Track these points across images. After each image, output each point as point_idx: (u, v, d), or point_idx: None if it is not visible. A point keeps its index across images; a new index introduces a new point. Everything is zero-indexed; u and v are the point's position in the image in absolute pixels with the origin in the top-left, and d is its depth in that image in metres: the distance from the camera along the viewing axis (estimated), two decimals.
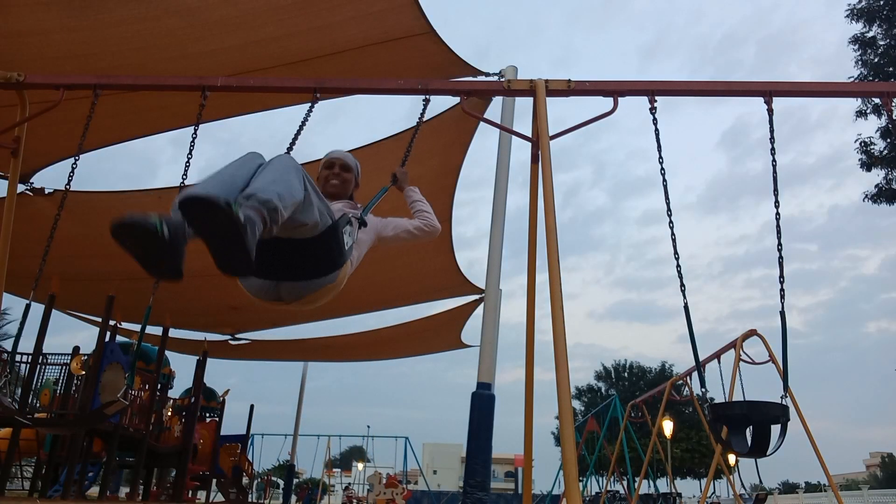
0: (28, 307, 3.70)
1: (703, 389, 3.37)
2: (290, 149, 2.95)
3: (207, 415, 13.42)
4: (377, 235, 2.90)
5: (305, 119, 3.35)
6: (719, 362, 10.30)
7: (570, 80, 3.68)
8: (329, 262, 2.23)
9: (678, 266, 3.20)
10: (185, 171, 3.51)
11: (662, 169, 3.40)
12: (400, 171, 3.27)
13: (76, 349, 8.93)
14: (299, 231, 2.04)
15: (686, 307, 3.17)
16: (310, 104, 3.52)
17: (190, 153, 3.51)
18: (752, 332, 9.65)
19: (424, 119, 3.75)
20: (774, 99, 3.51)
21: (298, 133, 3.22)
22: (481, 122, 6.49)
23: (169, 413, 11.71)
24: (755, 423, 3.00)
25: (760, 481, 11.26)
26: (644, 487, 20.76)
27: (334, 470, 34.88)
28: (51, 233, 3.62)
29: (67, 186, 3.67)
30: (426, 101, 3.67)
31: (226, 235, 1.66)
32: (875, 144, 15.52)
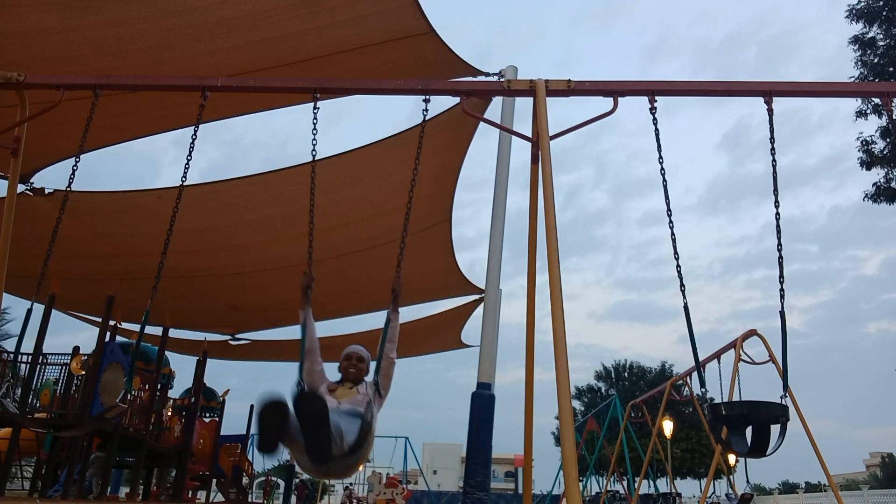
0: (31, 309, 3.70)
1: (703, 389, 3.37)
2: (313, 158, 3.57)
3: (207, 415, 13.42)
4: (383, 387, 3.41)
5: (315, 128, 3.39)
6: (719, 362, 10.31)
7: (570, 81, 3.68)
8: (366, 440, 2.95)
9: (678, 266, 3.21)
10: (186, 170, 3.51)
11: (662, 169, 3.40)
12: (399, 286, 3.57)
13: (76, 349, 8.92)
14: (350, 444, 2.83)
15: (686, 307, 3.18)
16: (312, 105, 3.53)
17: (190, 153, 3.52)
18: (752, 333, 9.66)
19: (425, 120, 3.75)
20: (775, 99, 3.52)
21: (314, 142, 3.35)
22: (481, 123, 6.50)
23: (169, 413, 11.70)
24: (755, 423, 3.00)
25: (748, 481, 11.26)
26: (644, 487, 20.77)
27: None
28: (53, 233, 3.62)
29: (69, 187, 3.67)
30: (426, 102, 3.67)
31: (321, 434, 2.49)
32: (875, 144, 15.53)
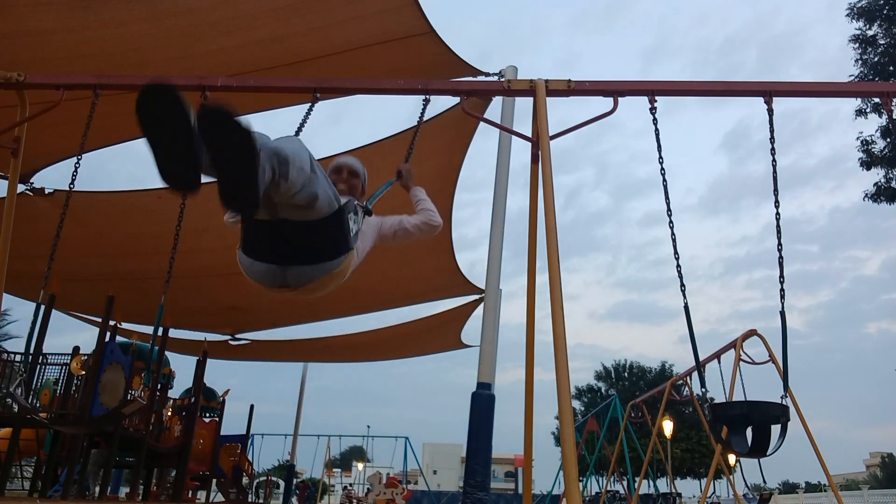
0: (38, 307, 3.71)
1: (703, 389, 3.37)
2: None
3: (207, 415, 13.41)
4: (379, 233, 2.93)
5: (305, 120, 3.35)
6: (719, 362, 10.30)
7: (570, 80, 3.68)
8: (335, 246, 2.23)
9: (678, 266, 3.21)
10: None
11: (662, 169, 3.40)
12: (404, 168, 3.26)
13: (76, 349, 8.92)
14: (306, 212, 2.03)
15: (686, 307, 3.18)
16: (310, 105, 3.53)
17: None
18: (752, 332, 9.65)
19: (425, 119, 3.75)
20: (775, 100, 3.52)
21: (299, 130, 3.24)
22: (481, 123, 6.49)
23: (169, 413, 11.70)
24: (755, 423, 3.00)
25: (764, 481, 11.26)
26: (644, 487, 20.77)
27: (334, 470, 34.90)
28: (57, 232, 3.62)
29: (71, 186, 3.66)
30: (426, 101, 3.67)
31: (238, 159, 1.63)
32: (875, 143, 15.53)
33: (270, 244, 2.14)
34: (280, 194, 1.83)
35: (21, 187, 7.18)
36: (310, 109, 3.49)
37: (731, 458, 14.17)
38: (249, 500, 15.27)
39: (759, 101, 3.54)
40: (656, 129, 3.50)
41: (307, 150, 2.00)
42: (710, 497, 21.87)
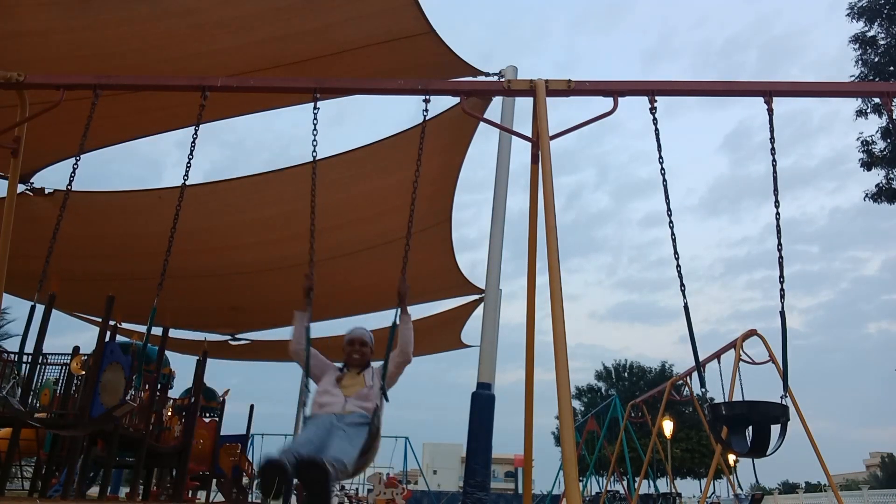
0: (33, 308, 3.70)
1: (703, 389, 3.37)
2: (314, 159, 3.56)
3: (207, 415, 13.41)
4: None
5: (315, 125, 3.38)
6: (719, 362, 10.30)
7: (570, 81, 3.68)
8: (372, 447, 3.06)
9: (678, 266, 3.21)
10: (188, 170, 3.51)
11: (662, 169, 3.41)
12: (404, 288, 3.42)
13: (76, 349, 8.92)
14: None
15: (686, 307, 3.18)
16: (314, 106, 3.53)
17: (191, 153, 3.52)
18: (752, 333, 9.66)
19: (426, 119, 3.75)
20: (775, 100, 3.52)
21: (315, 144, 3.33)
22: (482, 123, 6.50)
23: (169, 413, 11.70)
24: (755, 423, 3.00)
25: (757, 481, 11.26)
26: (644, 487, 20.76)
27: None
28: (54, 233, 3.62)
29: (69, 186, 3.67)
30: (426, 102, 3.67)
31: (321, 486, 2.49)
32: (875, 144, 15.53)
33: None
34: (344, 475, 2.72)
35: (21, 187, 7.18)
36: (315, 112, 3.51)
37: (731, 458, 14.18)
38: (249, 500, 15.26)
39: (759, 102, 3.54)
40: (656, 130, 3.50)
41: (350, 445, 2.86)
42: (710, 497, 21.87)
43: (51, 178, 7.30)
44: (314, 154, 3.59)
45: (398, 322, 3.36)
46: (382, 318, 13.08)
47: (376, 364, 3.39)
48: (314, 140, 3.56)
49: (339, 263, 9.22)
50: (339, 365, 3.40)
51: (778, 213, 3.29)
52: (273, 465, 2.47)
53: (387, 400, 3.24)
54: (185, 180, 3.47)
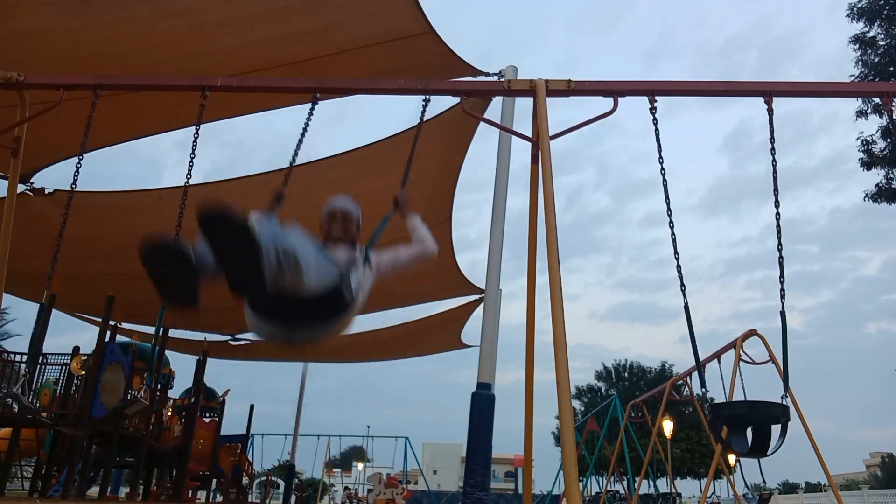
0: (42, 308, 3.71)
1: (704, 389, 3.37)
2: (295, 154, 3.30)
3: (207, 415, 13.41)
4: (376, 271, 2.91)
5: (307, 124, 3.37)
6: (719, 362, 10.30)
7: (570, 80, 3.68)
8: (341, 309, 2.34)
9: (678, 266, 3.21)
10: (189, 170, 3.51)
11: (662, 169, 3.41)
12: (401, 195, 3.18)
13: (76, 349, 8.92)
14: (311, 288, 2.15)
15: (686, 307, 3.18)
16: (311, 105, 3.53)
17: (192, 153, 3.51)
18: (753, 332, 9.65)
19: (425, 119, 3.75)
20: (775, 100, 3.52)
21: (302, 138, 3.26)
22: (482, 124, 6.49)
23: (169, 413, 11.70)
24: (755, 423, 3.00)
25: (764, 481, 11.26)
26: (644, 487, 20.76)
27: (334, 470, 34.89)
28: (60, 232, 3.63)
29: (73, 186, 3.66)
30: (426, 101, 3.67)
31: (243, 257, 1.82)
32: (875, 144, 15.53)
33: (278, 310, 2.24)
34: (284, 279, 1.97)
35: (21, 187, 7.18)
36: (311, 111, 3.49)
37: (731, 458, 14.17)
38: (250, 500, 15.27)
39: (759, 103, 3.54)
40: (656, 130, 3.50)
41: (307, 237, 2.19)
42: (710, 497, 21.86)
43: (51, 178, 7.31)
44: (296, 149, 3.44)
45: (409, 222, 3.00)
46: (383, 318, 13.08)
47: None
48: (301, 137, 3.42)
49: None
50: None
51: (778, 213, 3.29)
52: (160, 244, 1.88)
53: (368, 260, 2.70)
54: (188, 180, 3.47)
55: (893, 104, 3.52)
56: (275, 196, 2.93)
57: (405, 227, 3.14)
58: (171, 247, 1.91)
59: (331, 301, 2.26)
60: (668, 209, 3.35)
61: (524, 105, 3.99)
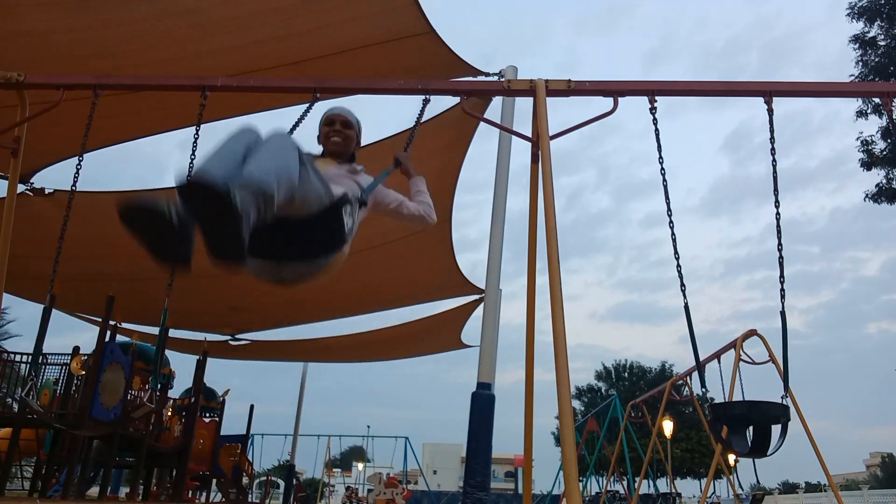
0: (46, 310, 3.71)
1: (704, 389, 3.37)
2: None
3: (207, 415, 13.40)
4: (374, 203, 2.85)
5: (301, 118, 3.35)
6: (719, 362, 10.30)
7: (570, 80, 3.68)
8: (331, 243, 2.25)
9: (678, 266, 3.21)
10: (190, 170, 3.51)
11: (662, 169, 3.40)
12: (402, 156, 3.13)
13: (76, 349, 8.93)
14: (297, 210, 2.03)
15: (686, 307, 3.17)
16: (309, 105, 3.53)
17: (193, 153, 3.51)
18: (752, 332, 9.65)
19: (424, 119, 3.75)
20: (776, 101, 3.52)
21: (295, 126, 3.22)
22: (482, 124, 6.49)
23: (169, 413, 11.70)
24: (755, 423, 2.99)
25: (758, 481, 11.26)
26: (644, 487, 20.76)
27: (334, 470, 34.89)
28: (61, 233, 3.63)
29: (73, 186, 3.66)
30: (426, 101, 3.67)
31: (222, 223, 1.68)
32: (875, 144, 15.54)
33: (266, 243, 2.12)
34: (270, 210, 1.84)
35: (21, 187, 7.18)
36: (307, 109, 3.49)
37: (731, 458, 14.16)
38: (250, 500, 15.26)
39: (759, 103, 3.54)
40: (656, 130, 3.50)
41: (292, 150, 2.00)
42: (710, 497, 21.85)
43: (51, 178, 7.30)
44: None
45: (413, 183, 2.88)
46: (383, 318, 13.09)
47: (360, 168, 2.83)
48: (298, 122, 3.38)
49: None
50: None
51: (778, 213, 3.29)
52: (138, 205, 1.69)
53: (364, 204, 2.62)
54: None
55: (893, 104, 3.51)
56: None
57: (407, 187, 3.09)
58: (148, 203, 1.73)
59: (322, 231, 2.16)
60: (669, 209, 3.35)
61: (525, 105, 3.99)
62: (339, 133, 2.77)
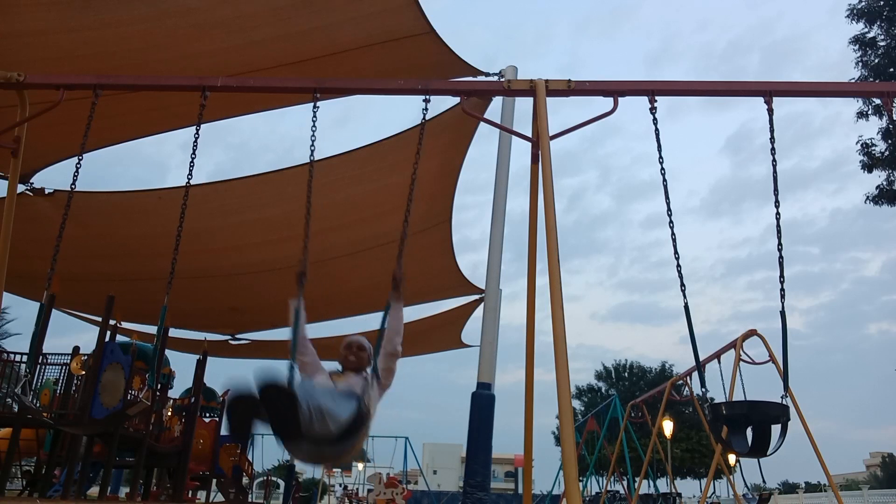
0: (41, 308, 3.71)
1: (704, 389, 3.37)
2: (310, 163, 3.48)
3: (207, 415, 13.40)
4: (382, 367, 3.32)
5: (313, 126, 3.40)
6: (719, 362, 10.30)
7: (570, 80, 3.68)
8: (361, 426, 2.83)
9: (678, 266, 3.21)
10: (191, 170, 3.51)
11: (662, 169, 3.41)
12: (399, 273, 3.53)
13: (76, 349, 8.92)
14: (337, 428, 2.67)
15: (686, 307, 3.18)
16: (314, 106, 3.53)
17: (193, 153, 3.51)
18: (753, 333, 9.65)
19: (425, 119, 3.75)
20: (776, 101, 3.52)
21: (313, 144, 3.37)
22: (482, 124, 6.49)
23: (169, 413, 11.70)
24: (755, 423, 3.00)
25: (764, 481, 11.27)
26: (644, 487, 20.76)
27: (334, 470, 34.86)
28: (60, 232, 3.63)
29: (73, 186, 3.66)
30: (426, 102, 3.67)
31: (288, 416, 2.42)
32: (876, 146, 15.54)
33: (314, 447, 2.72)
34: (315, 427, 2.54)
35: (21, 187, 7.18)
36: (314, 113, 3.50)
37: (731, 458, 14.17)
38: (250, 500, 15.25)
39: (760, 105, 3.54)
40: (656, 129, 3.50)
41: (327, 388, 2.99)
42: (710, 497, 21.86)
43: (51, 178, 7.30)
44: (312, 151, 3.55)
45: (391, 303, 3.44)
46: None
47: (371, 370, 3.34)
48: (313, 137, 3.53)
49: (340, 263, 9.21)
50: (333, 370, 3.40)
51: (778, 214, 3.29)
52: (240, 397, 2.38)
53: (381, 383, 3.18)
54: (188, 180, 3.46)
55: (893, 104, 3.52)
56: (299, 277, 3.48)
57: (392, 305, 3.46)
58: (284, 390, 2.46)
59: (353, 426, 2.75)
60: (669, 210, 3.35)
61: (525, 106, 4.00)
62: (355, 354, 3.39)
